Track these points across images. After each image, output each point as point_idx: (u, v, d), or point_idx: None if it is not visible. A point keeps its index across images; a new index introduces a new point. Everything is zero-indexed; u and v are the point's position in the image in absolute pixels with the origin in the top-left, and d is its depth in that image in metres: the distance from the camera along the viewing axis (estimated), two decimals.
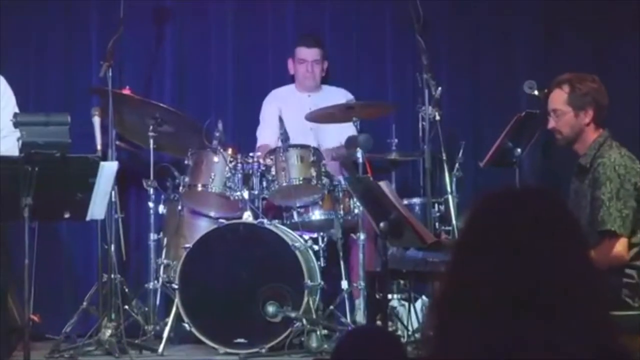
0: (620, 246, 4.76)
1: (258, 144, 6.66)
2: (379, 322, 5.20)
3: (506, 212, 1.83)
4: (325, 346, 5.72)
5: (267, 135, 6.70)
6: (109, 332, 5.72)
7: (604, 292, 1.85)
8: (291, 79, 6.97)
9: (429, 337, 1.84)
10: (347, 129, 6.33)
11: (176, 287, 5.92)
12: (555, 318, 1.74)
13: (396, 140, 6.44)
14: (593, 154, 4.90)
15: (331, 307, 6.05)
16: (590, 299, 1.79)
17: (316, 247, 6.11)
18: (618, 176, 4.78)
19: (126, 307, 6.05)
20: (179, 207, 6.31)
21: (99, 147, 5.91)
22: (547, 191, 1.89)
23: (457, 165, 6.19)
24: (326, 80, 6.99)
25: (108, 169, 5.14)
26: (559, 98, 4.97)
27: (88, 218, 5.22)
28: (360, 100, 6.56)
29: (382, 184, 4.99)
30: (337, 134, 6.56)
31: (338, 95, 6.69)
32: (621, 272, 4.79)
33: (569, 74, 5.03)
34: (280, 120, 6.15)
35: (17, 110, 5.74)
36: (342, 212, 6.18)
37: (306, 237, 6.12)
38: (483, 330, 1.75)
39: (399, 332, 5.76)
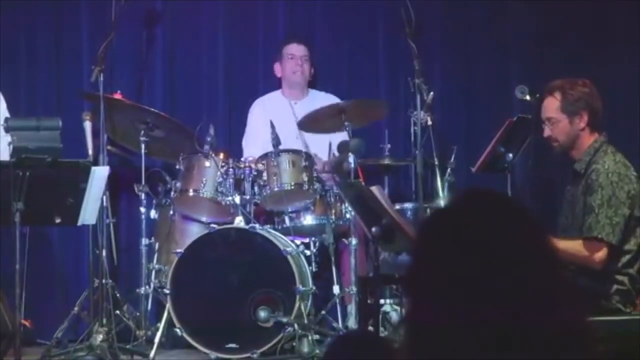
0: (603, 253, 4.75)
1: (244, 157, 6.57)
2: (370, 327, 5.19)
3: (449, 234, 1.80)
4: (317, 351, 5.72)
5: (252, 148, 6.63)
6: (100, 337, 5.70)
7: (570, 283, 1.83)
8: (278, 84, 6.95)
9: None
10: (336, 137, 6.32)
11: (168, 292, 5.91)
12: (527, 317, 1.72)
13: (389, 145, 6.45)
14: (588, 159, 4.89)
15: (323, 312, 6.04)
16: (561, 294, 1.77)
17: (308, 252, 6.10)
18: (610, 183, 4.77)
19: (117, 312, 6.05)
20: (171, 212, 6.30)
21: (90, 151, 5.91)
22: (484, 193, 1.86)
23: (449, 170, 6.19)
24: (316, 84, 6.99)
25: (99, 174, 5.13)
26: (551, 106, 4.95)
27: (79, 223, 5.22)
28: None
29: (374, 189, 4.98)
30: (325, 142, 6.54)
31: (325, 101, 6.67)
32: (609, 280, 4.78)
33: (559, 81, 5.01)
34: (272, 124, 6.13)
35: (8, 114, 5.73)
36: (333, 217, 6.17)
37: (298, 242, 6.12)
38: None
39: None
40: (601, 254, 4.74)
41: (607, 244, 4.73)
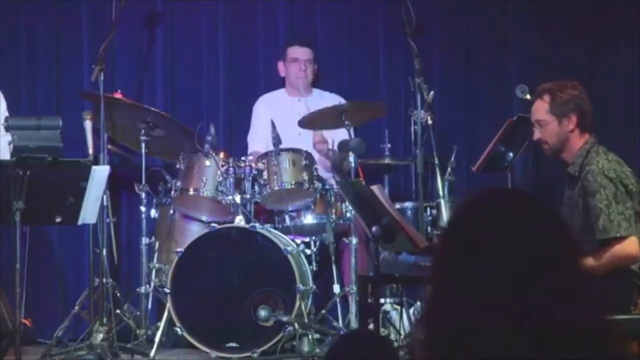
0: (630, 247, 4.69)
1: (249, 152, 6.61)
2: (371, 327, 5.19)
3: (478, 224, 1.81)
4: (317, 350, 5.72)
5: (258, 143, 6.66)
6: (100, 336, 5.71)
7: (596, 284, 1.83)
8: (281, 83, 6.96)
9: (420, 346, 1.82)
10: (337, 135, 6.32)
11: (168, 291, 5.91)
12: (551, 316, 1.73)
13: (389, 145, 6.44)
14: (581, 161, 4.87)
15: (323, 311, 6.05)
16: (584, 294, 1.78)
17: (308, 251, 6.11)
18: (610, 181, 4.75)
19: (118, 311, 6.05)
20: (171, 212, 6.30)
21: (90, 151, 5.91)
22: (512, 191, 1.87)
23: (449, 169, 6.19)
24: (317, 84, 6.99)
25: (100, 173, 5.13)
26: (540, 108, 4.95)
27: (80, 222, 5.22)
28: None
29: (374, 188, 4.97)
30: (328, 139, 6.54)
31: (329, 100, 6.67)
32: (630, 275, 4.74)
33: (549, 83, 5.00)
34: (272, 124, 6.14)
35: (8, 114, 5.73)
36: (334, 216, 6.17)
37: (298, 241, 6.12)
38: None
39: (391, 337, 5.76)
40: (630, 248, 4.67)
41: (627, 237, 4.68)
